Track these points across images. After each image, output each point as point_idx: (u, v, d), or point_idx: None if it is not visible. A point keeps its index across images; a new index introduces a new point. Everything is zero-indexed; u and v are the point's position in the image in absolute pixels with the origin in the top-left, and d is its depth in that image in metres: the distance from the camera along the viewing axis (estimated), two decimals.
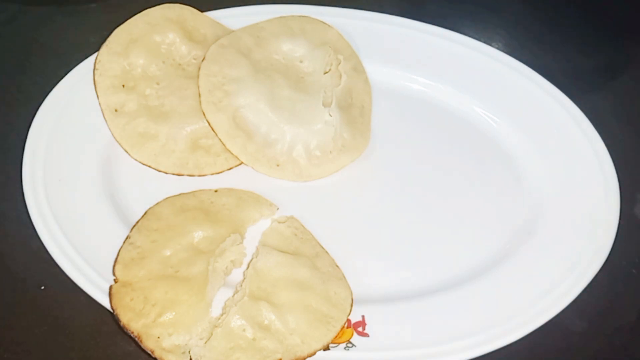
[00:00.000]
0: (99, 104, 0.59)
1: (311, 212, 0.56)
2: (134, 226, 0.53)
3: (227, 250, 0.52)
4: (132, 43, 0.60)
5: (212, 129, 0.57)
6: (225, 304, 0.49)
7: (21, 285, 0.53)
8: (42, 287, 0.52)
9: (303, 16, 0.64)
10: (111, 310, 0.48)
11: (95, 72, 0.59)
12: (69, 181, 0.55)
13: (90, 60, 0.61)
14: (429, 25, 0.66)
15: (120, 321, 0.47)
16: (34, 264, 0.53)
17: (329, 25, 0.64)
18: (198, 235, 0.52)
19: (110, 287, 0.49)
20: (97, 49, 0.60)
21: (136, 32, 0.61)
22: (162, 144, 0.58)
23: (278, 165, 0.57)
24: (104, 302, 0.49)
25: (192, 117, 0.58)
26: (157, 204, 0.55)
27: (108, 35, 0.60)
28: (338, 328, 0.48)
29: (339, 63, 0.61)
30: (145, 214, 0.54)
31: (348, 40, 0.64)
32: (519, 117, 0.62)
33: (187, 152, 0.58)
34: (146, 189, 0.56)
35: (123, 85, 0.59)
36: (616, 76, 0.72)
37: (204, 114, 0.57)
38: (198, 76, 0.58)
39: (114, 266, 0.50)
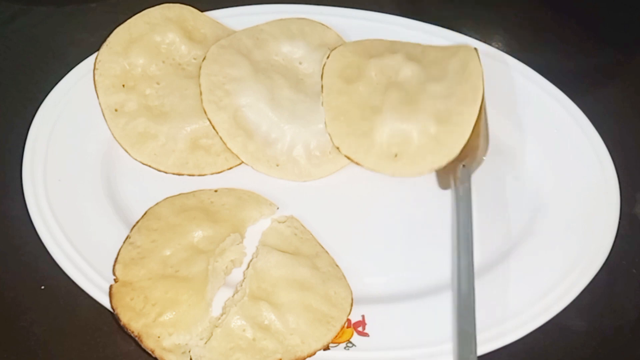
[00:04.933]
0: (99, 103, 0.59)
1: (311, 212, 0.56)
2: (134, 226, 0.53)
3: (227, 250, 0.52)
4: (132, 43, 0.60)
5: (213, 128, 0.57)
6: (225, 304, 0.50)
7: (21, 285, 0.53)
8: (42, 287, 0.52)
9: (302, 18, 0.64)
10: (111, 310, 0.48)
11: (96, 71, 0.59)
12: (69, 181, 0.55)
13: (90, 60, 0.61)
14: (429, 25, 0.66)
15: (120, 321, 0.47)
16: (34, 264, 0.53)
17: (328, 27, 0.64)
18: (198, 235, 0.52)
19: (111, 287, 0.49)
20: (97, 49, 0.60)
21: (136, 32, 0.61)
22: (162, 144, 0.58)
23: (278, 165, 0.57)
24: (104, 301, 0.49)
25: (192, 116, 0.58)
26: (157, 204, 0.55)
27: (108, 35, 0.60)
28: (338, 328, 0.48)
29: None
30: (145, 214, 0.54)
31: (347, 40, 0.64)
32: (519, 117, 0.62)
33: (187, 151, 0.58)
34: (146, 189, 0.56)
35: (123, 85, 0.59)
36: (616, 76, 0.72)
37: (205, 113, 0.57)
38: (199, 75, 0.58)
39: (114, 266, 0.50)
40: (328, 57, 0.59)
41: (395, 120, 0.56)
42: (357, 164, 0.56)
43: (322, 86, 0.58)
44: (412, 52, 0.61)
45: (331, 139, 0.57)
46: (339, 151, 0.56)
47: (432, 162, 0.56)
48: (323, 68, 0.59)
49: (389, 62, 0.59)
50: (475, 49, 0.60)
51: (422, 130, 0.56)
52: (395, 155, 0.56)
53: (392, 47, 0.61)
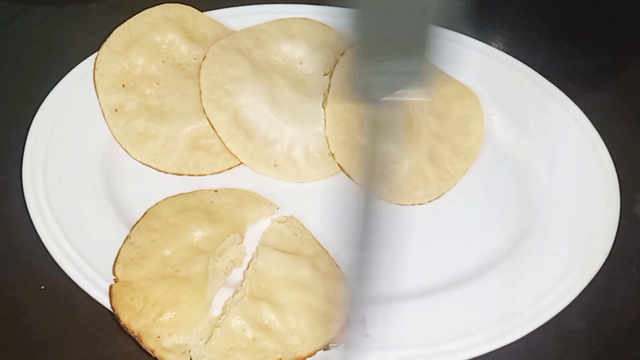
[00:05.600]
0: (99, 103, 0.59)
1: (311, 212, 0.56)
2: (134, 226, 0.53)
3: (227, 250, 0.52)
4: (132, 43, 0.60)
5: (213, 127, 0.57)
6: (225, 304, 0.50)
7: (21, 285, 0.53)
8: (42, 287, 0.52)
9: (303, 18, 0.64)
10: (111, 310, 0.48)
11: (96, 71, 0.60)
12: (69, 181, 0.55)
13: (90, 60, 0.61)
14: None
15: (120, 321, 0.47)
16: (34, 264, 0.53)
17: (329, 27, 0.64)
18: (198, 235, 0.52)
19: (111, 287, 0.49)
20: (97, 49, 0.60)
21: (136, 32, 0.61)
22: (162, 144, 0.58)
23: (276, 166, 0.58)
24: (104, 301, 0.49)
25: (192, 116, 0.58)
26: (157, 204, 0.55)
27: (108, 35, 0.61)
28: (338, 328, 0.48)
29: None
30: (145, 214, 0.54)
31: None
32: (519, 117, 0.62)
33: (187, 151, 0.58)
34: (146, 189, 0.56)
35: (123, 85, 0.59)
36: (616, 76, 0.72)
37: (204, 112, 0.57)
38: (199, 75, 0.58)
39: (114, 266, 0.50)
40: (343, 55, 0.59)
41: (394, 146, 0.57)
42: (347, 175, 0.57)
43: (329, 85, 0.58)
44: None
45: (328, 143, 0.57)
46: (333, 158, 0.56)
47: (416, 197, 0.57)
48: (334, 66, 0.58)
49: None
50: (479, 102, 0.61)
51: (416, 164, 0.57)
52: (384, 179, 0.57)
53: None
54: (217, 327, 0.47)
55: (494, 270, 0.53)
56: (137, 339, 0.47)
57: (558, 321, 0.50)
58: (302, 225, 0.55)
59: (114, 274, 0.50)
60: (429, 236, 0.56)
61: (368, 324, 0.50)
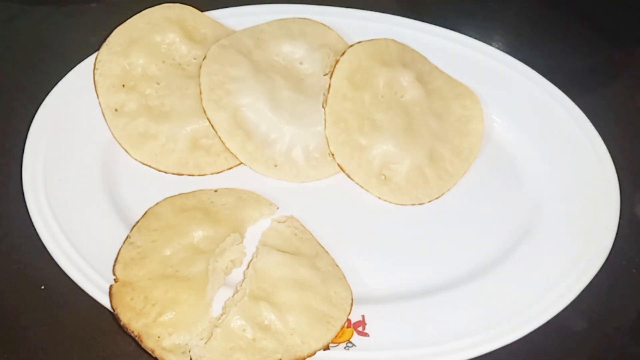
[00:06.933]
0: (99, 103, 0.59)
1: (311, 212, 0.56)
2: (134, 226, 0.53)
3: (227, 250, 0.52)
4: (132, 43, 0.60)
5: (212, 127, 0.57)
6: (225, 304, 0.50)
7: (21, 285, 0.53)
8: (42, 287, 0.52)
9: (303, 18, 0.64)
10: (111, 310, 0.48)
11: (96, 71, 0.60)
12: (69, 181, 0.55)
13: (90, 60, 0.61)
14: (429, 25, 0.66)
15: (120, 321, 0.47)
16: (34, 264, 0.53)
17: (329, 27, 0.64)
18: (198, 234, 0.52)
19: (111, 287, 0.49)
20: (97, 49, 0.60)
21: (136, 32, 0.61)
22: (162, 144, 0.58)
23: (276, 166, 0.57)
24: (104, 301, 0.49)
25: (192, 116, 0.58)
26: (157, 204, 0.55)
27: (108, 35, 0.60)
28: (338, 328, 0.48)
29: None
30: (145, 214, 0.54)
31: (348, 41, 0.64)
32: (519, 117, 0.62)
33: (187, 151, 0.58)
34: (146, 189, 0.56)
35: (123, 85, 0.59)
36: (616, 76, 0.72)
37: (204, 112, 0.57)
38: (199, 75, 0.58)
39: (114, 266, 0.50)
40: (343, 55, 0.59)
41: (394, 146, 0.57)
42: (347, 175, 0.57)
43: (329, 85, 0.58)
44: (422, 70, 0.62)
45: (328, 143, 0.57)
46: (333, 157, 0.56)
47: (416, 197, 0.57)
48: (335, 66, 0.58)
49: (399, 78, 0.60)
50: (480, 102, 0.61)
51: (415, 164, 0.57)
52: (384, 178, 0.57)
53: (404, 58, 0.62)
54: (217, 327, 0.47)
55: (494, 270, 0.53)
56: (137, 339, 0.47)
57: (558, 321, 0.50)
58: (302, 225, 0.55)
59: (114, 274, 0.50)
60: (429, 236, 0.56)
61: (368, 324, 0.50)
